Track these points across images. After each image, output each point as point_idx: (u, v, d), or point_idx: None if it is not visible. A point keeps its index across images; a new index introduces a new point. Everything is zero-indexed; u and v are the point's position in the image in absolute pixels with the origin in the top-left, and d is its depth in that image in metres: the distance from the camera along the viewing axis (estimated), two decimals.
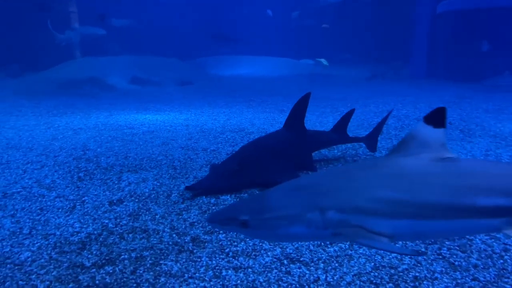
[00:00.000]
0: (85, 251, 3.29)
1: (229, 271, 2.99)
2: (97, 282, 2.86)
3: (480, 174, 2.10)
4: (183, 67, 21.40)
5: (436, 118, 2.07)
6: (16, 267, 3.05)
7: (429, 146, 2.09)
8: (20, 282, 2.86)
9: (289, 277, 2.93)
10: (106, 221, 3.82)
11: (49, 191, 4.57)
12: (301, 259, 3.15)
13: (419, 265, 3.06)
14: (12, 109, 10.47)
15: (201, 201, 4.25)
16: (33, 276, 2.93)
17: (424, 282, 2.87)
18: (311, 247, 3.32)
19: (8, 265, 3.08)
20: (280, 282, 2.86)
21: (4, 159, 5.77)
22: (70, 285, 2.83)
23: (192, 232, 3.57)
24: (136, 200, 4.30)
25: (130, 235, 3.56)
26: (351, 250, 3.29)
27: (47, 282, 2.85)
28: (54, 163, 5.58)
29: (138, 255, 3.20)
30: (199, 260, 3.14)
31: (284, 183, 2.25)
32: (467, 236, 3.45)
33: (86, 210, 4.08)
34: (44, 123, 8.61)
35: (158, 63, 20.76)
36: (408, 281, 2.88)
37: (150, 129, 8.04)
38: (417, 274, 2.96)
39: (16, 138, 7.06)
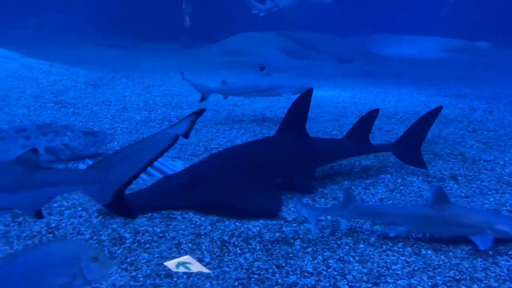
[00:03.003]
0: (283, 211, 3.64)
1: (428, 251, 2.98)
2: (301, 236, 3.14)
3: None
4: (342, 44, 21.17)
5: None
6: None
7: None
8: None
9: (497, 268, 2.79)
10: None
11: None
12: (509, 252, 2.96)
13: None
14: (194, 75, 11.76)
15: (386, 179, 4.27)
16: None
17: None
18: None
19: None
20: (487, 271, 2.75)
21: (198, 119, 6.58)
22: (277, 234, 3.16)
23: None
24: (319, 169, 4.50)
25: (322, 199, 3.78)
26: None
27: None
28: (240, 126, 6.17)
29: (334, 219, 3.39)
30: None
31: None
32: None
33: None
34: None
35: (316, 40, 20.91)
36: None
37: (318, 103, 8.23)
38: None
39: (202, 102, 7.95)
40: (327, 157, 4.24)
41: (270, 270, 2.73)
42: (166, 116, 6.57)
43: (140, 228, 3.16)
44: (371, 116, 4.32)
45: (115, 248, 2.91)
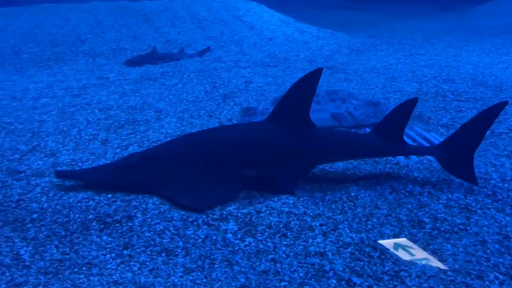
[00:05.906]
0: None
1: None
2: None
3: None
4: None
5: None
6: None
7: None
8: None
9: None
10: None
11: None
12: None
13: None
14: (459, 43, 10.59)
15: None
16: None
17: None
18: None
19: None
20: None
21: (477, 95, 5.88)
22: None
23: None
24: None
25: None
26: None
27: None
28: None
29: None
30: None
31: None
32: None
33: None
34: (498, 62, 8.23)
35: None
36: None
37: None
38: None
39: (478, 76, 7.06)
40: (331, 153, 3.48)
41: None
42: (439, 90, 6.09)
43: (439, 215, 3.00)
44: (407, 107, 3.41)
45: (414, 230, 2.86)
